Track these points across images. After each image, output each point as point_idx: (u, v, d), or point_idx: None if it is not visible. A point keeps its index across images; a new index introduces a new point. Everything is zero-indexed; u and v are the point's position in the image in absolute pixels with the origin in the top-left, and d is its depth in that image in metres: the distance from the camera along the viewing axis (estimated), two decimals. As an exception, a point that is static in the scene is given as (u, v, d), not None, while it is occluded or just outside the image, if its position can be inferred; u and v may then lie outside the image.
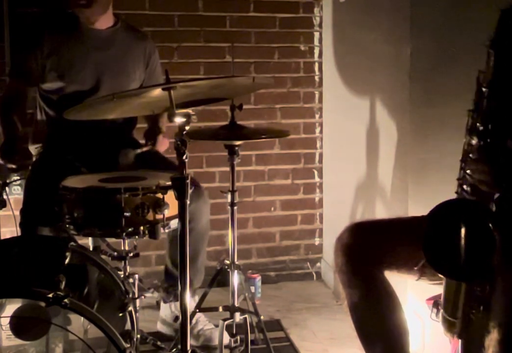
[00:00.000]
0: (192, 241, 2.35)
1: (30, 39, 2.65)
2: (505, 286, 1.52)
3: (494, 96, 1.52)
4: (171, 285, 2.75)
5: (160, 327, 2.82)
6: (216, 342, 2.64)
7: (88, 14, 2.60)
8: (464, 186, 1.59)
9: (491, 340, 1.52)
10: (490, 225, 1.44)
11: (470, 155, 1.58)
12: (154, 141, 2.64)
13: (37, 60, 2.62)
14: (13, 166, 2.41)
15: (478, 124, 1.55)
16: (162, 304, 2.82)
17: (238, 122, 2.37)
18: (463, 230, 1.47)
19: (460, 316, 1.61)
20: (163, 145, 2.71)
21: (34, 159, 2.72)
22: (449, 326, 1.66)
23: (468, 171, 1.57)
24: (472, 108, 1.59)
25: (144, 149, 2.52)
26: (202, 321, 2.74)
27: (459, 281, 1.58)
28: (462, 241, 1.47)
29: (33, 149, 2.76)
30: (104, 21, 2.68)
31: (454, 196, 1.63)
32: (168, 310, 2.79)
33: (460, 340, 1.66)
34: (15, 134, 2.52)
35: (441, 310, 1.67)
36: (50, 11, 2.98)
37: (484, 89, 1.54)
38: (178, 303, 2.69)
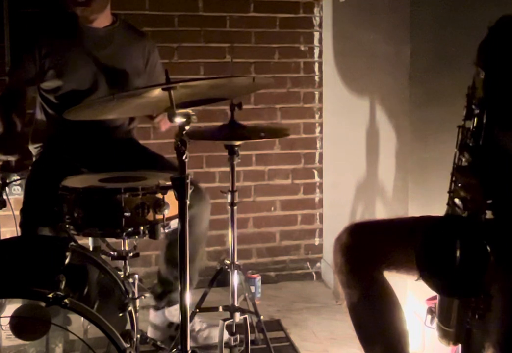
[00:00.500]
0: (189, 244, 2.36)
1: (29, 39, 2.66)
2: (501, 287, 1.52)
3: (485, 113, 1.52)
4: (164, 290, 2.72)
5: (151, 334, 2.73)
6: (214, 340, 2.64)
7: (87, 12, 2.60)
8: (456, 200, 1.59)
9: (491, 341, 1.52)
10: (487, 246, 1.44)
11: (460, 171, 1.59)
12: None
13: (35, 60, 2.61)
14: (12, 159, 2.38)
15: (468, 140, 1.56)
16: (151, 311, 2.76)
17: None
18: (456, 248, 1.47)
19: (454, 325, 1.62)
20: (166, 122, 2.67)
21: (34, 159, 2.73)
22: (444, 334, 1.67)
23: (459, 185, 1.57)
24: (462, 124, 1.59)
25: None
26: (197, 323, 2.72)
27: (453, 298, 1.59)
28: (456, 259, 1.47)
29: (33, 149, 2.76)
30: (103, 20, 2.68)
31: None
32: (161, 316, 2.73)
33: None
34: (13, 131, 2.51)
35: (436, 319, 1.68)
36: (48, 11, 2.97)
37: (473, 107, 1.54)
38: (171, 309, 2.68)
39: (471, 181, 1.54)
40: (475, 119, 1.54)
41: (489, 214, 1.64)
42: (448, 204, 1.63)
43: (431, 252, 1.51)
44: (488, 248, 1.44)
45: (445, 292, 1.55)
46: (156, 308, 2.75)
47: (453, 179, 1.62)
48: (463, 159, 1.58)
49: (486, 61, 1.51)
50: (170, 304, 2.69)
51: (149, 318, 2.78)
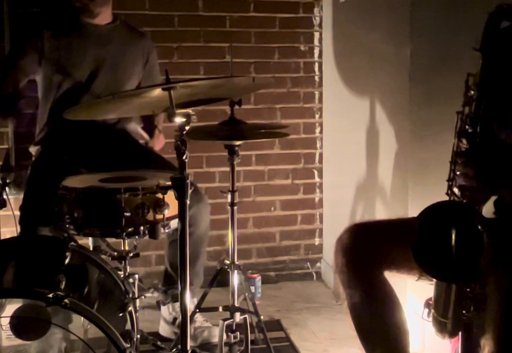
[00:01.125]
0: (191, 245, 2.34)
1: (30, 36, 2.65)
2: (498, 285, 1.52)
3: (482, 99, 1.53)
4: (169, 287, 2.74)
5: (162, 330, 2.81)
6: (214, 340, 2.64)
7: (92, 7, 2.61)
8: (454, 188, 1.60)
9: (487, 339, 1.52)
10: (479, 226, 1.44)
11: (459, 157, 1.59)
12: (151, 134, 2.65)
13: (35, 56, 2.61)
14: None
15: (467, 126, 1.56)
16: (161, 306, 2.81)
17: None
18: (452, 233, 1.47)
19: (451, 316, 1.62)
20: (159, 141, 2.72)
21: (33, 159, 2.73)
22: (440, 326, 1.67)
23: (457, 173, 1.58)
24: (460, 110, 1.60)
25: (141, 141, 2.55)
26: (198, 321, 2.74)
27: (450, 283, 1.59)
28: (452, 243, 1.47)
29: (33, 149, 2.75)
30: (105, 16, 2.69)
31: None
32: (167, 311, 2.78)
33: (459, 340, 1.66)
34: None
35: (432, 311, 1.68)
36: (49, 9, 2.95)
37: (472, 92, 1.55)
38: (176, 304, 2.70)
39: (469, 169, 1.54)
40: (473, 103, 1.55)
41: (490, 214, 1.64)
42: (446, 193, 1.64)
43: (426, 238, 1.51)
44: (480, 228, 1.44)
45: (442, 277, 1.55)
46: (163, 303, 2.79)
47: (452, 167, 1.62)
48: (462, 146, 1.58)
49: (484, 45, 1.52)
50: (175, 300, 2.71)
51: (161, 312, 2.82)
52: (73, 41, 2.65)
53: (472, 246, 1.45)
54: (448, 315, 1.63)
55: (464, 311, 1.59)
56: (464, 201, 1.57)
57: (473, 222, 1.45)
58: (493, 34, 1.52)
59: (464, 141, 1.57)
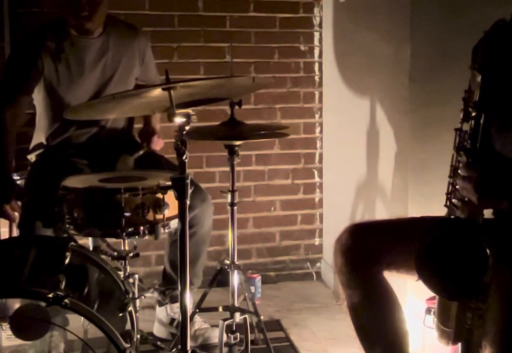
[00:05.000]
0: (193, 245, 2.34)
1: (25, 62, 2.58)
2: (499, 286, 1.52)
3: (481, 118, 1.53)
4: (168, 288, 2.74)
5: (156, 331, 2.80)
6: (214, 340, 2.64)
7: (89, 25, 2.56)
8: (454, 200, 1.60)
9: (488, 340, 1.52)
10: (487, 249, 1.44)
11: (459, 171, 1.59)
12: (148, 142, 2.65)
13: (32, 85, 2.58)
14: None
15: (465, 143, 1.56)
16: (157, 307, 2.80)
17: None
18: (455, 251, 1.47)
19: (453, 326, 1.62)
20: (158, 144, 2.71)
21: (34, 159, 2.72)
22: (443, 333, 1.67)
23: (457, 187, 1.58)
24: (459, 127, 1.60)
25: (141, 152, 2.53)
26: (198, 322, 2.73)
27: (453, 300, 1.59)
28: (455, 262, 1.47)
29: (32, 157, 2.73)
30: (99, 29, 2.65)
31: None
32: (164, 312, 2.77)
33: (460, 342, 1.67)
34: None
35: (435, 319, 1.68)
36: (46, 29, 2.69)
37: (470, 109, 1.55)
38: (174, 305, 2.70)
39: (467, 184, 1.54)
40: (472, 121, 1.55)
41: (489, 214, 1.64)
42: (445, 205, 1.64)
43: (430, 255, 1.51)
44: (488, 251, 1.44)
45: (445, 294, 1.55)
46: (160, 303, 2.78)
47: (450, 181, 1.62)
48: (461, 160, 1.58)
49: (483, 64, 1.51)
50: (173, 300, 2.71)
51: (156, 313, 2.81)
52: (70, 64, 2.59)
53: (477, 266, 1.45)
54: (451, 324, 1.63)
55: (467, 321, 1.59)
56: (463, 214, 1.56)
57: (479, 242, 1.45)
58: (492, 53, 1.51)
59: (464, 156, 1.57)
